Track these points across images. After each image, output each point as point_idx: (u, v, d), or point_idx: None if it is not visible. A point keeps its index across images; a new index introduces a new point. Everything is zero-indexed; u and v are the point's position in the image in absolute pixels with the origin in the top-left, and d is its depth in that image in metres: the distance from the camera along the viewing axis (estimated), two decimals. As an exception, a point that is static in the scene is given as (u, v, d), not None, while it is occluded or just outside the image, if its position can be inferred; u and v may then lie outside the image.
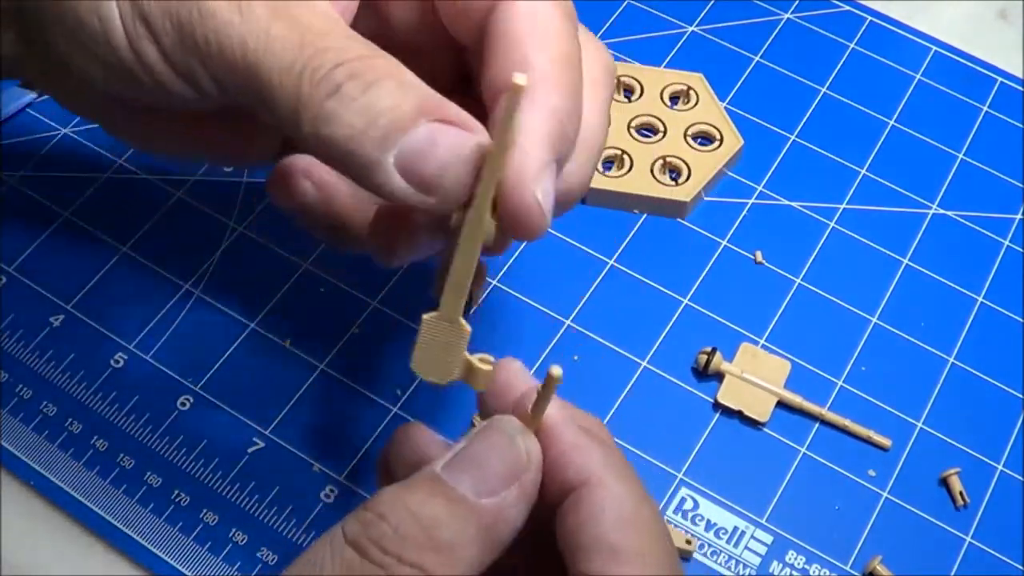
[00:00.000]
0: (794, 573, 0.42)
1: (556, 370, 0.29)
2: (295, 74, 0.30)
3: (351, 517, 0.28)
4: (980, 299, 0.49)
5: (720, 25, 0.57)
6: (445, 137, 0.29)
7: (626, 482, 0.30)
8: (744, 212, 0.51)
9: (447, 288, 0.31)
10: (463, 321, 0.31)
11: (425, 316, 0.31)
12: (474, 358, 0.32)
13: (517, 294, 0.48)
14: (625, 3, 0.57)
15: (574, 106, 0.32)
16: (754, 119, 0.54)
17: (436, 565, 0.27)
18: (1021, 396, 0.46)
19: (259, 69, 0.30)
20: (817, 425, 0.45)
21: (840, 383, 0.46)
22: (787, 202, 0.51)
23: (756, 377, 0.46)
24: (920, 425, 0.46)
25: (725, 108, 0.53)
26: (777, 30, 0.57)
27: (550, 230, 0.50)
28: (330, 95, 0.29)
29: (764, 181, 0.52)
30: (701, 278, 0.49)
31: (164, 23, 0.31)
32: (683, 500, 0.44)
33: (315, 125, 0.30)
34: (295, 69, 0.30)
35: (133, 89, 0.33)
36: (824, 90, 0.55)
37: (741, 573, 0.42)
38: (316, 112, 0.30)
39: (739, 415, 0.45)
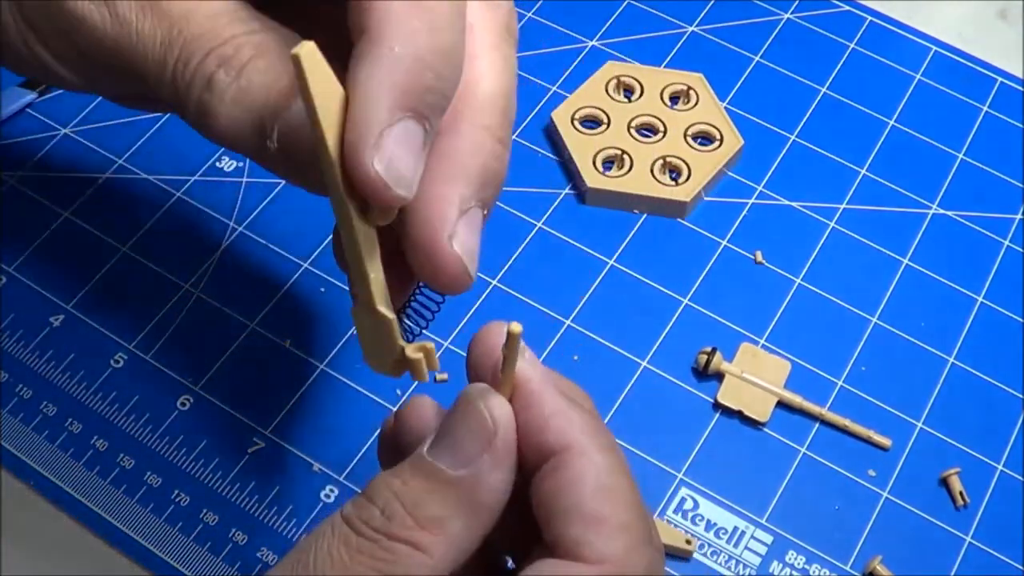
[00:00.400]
0: (794, 573, 0.42)
1: (515, 326, 0.29)
2: (169, 71, 0.30)
3: (349, 501, 0.29)
4: (980, 299, 0.49)
5: (720, 25, 0.57)
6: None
7: (606, 451, 0.30)
8: (744, 212, 0.51)
9: (350, 277, 0.31)
10: (383, 310, 0.31)
11: (353, 309, 0.31)
12: (409, 347, 0.32)
13: (517, 294, 0.48)
14: (625, 3, 0.57)
15: (431, 45, 0.28)
16: (754, 119, 0.54)
17: (425, 540, 0.28)
18: (1021, 396, 0.46)
19: (139, 70, 0.30)
20: (817, 425, 0.45)
21: (840, 383, 0.46)
22: (787, 202, 0.51)
23: (756, 377, 0.46)
24: (920, 425, 0.46)
25: (725, 108, 0.53)
26: (777, 30, 0.57)
27: (550, 230, 0.50)
28: (204, 88, 0.29)
29: (764, 181, 0.52)
30: (701, 278, 0.49)
31: (48, 28, 0.31)
32: (683, 500, 0.44)
33: (198, 119, 0.30)
34: (168, 66, 0.30)
35: (46, 80, 0.33)
36: (824, 90, 0.55)
37: (741, 573, 0.42)
38: (195, 107, 0.30)
39: (739, 415, 0.45)
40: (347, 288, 0.48)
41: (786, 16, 0.58)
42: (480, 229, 0.31)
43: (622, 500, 0.29)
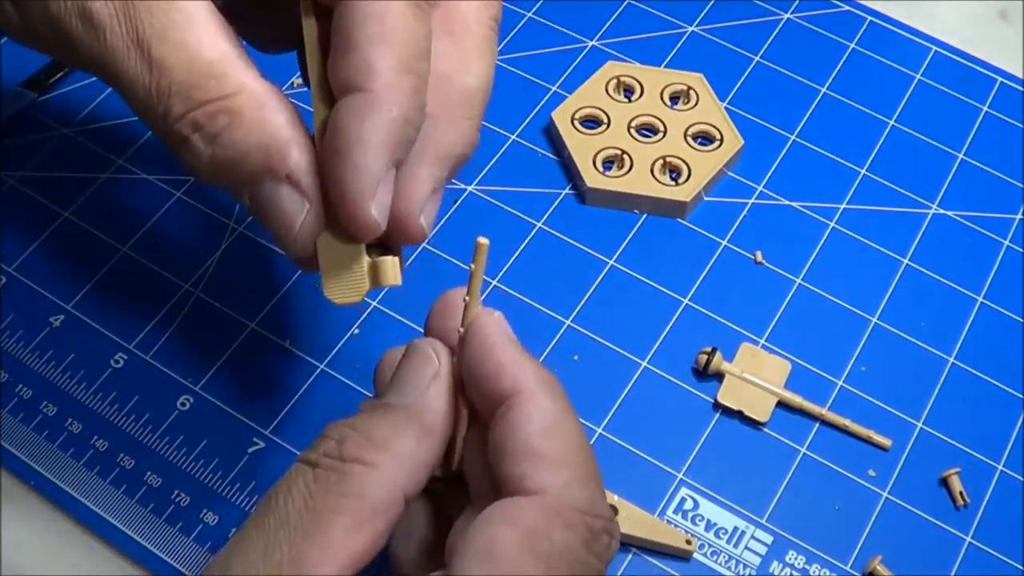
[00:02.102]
0: (794, 573, 0.42)
1: (483, 239, 0.32)
2: (149, 114, 0.32)
3: (305, 448, 0.32)
4: (980, 299, 0.49)
5: (720, 25, 0.57)
6: (284, 199, 0.32)
7: (554, 398, 0.32)
8: (744, 212, 0.51)
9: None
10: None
11: (320, 237, 0.33)
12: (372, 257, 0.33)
13: (517, 294, 0.48)
14: (625, 3, 0.57)
15: (415, 106, 0.32)
16: (754, 119, 0.54)
17: (376, 458, 0.30)
18: (1021, 396, 0.46)
19: (125, 94, 0.33)
20: (817, 425, 0.45)
21: (840, 383, 0.46)
22: (787, 202, 0.51)
23: (756, 377, 0.46)
24: (920, 425, 0.46)
25: (725, 108, 0.53)
26: (777, 30, 0.57)
27: (550, 230, 0.50)
28: (181, 145, 0.32)
29: (764, 181, 0.52)
30: (701, 278, 0.49)
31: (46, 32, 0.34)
32: (683, 500, 0.44)
33: (179, 158, 0.33)
34: (148, 109, 0.32)
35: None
36: (824, 90, 0.55)
37: (741, 573, 0.42)
38: (175, 152, 0.33)
39: (739, 415, 0.45)
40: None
41: (786, 16, 0.58)
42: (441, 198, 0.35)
43: (566, 439, 0.31)
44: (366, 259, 0.33)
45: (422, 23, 0.32)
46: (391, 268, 0.33)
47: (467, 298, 0.32)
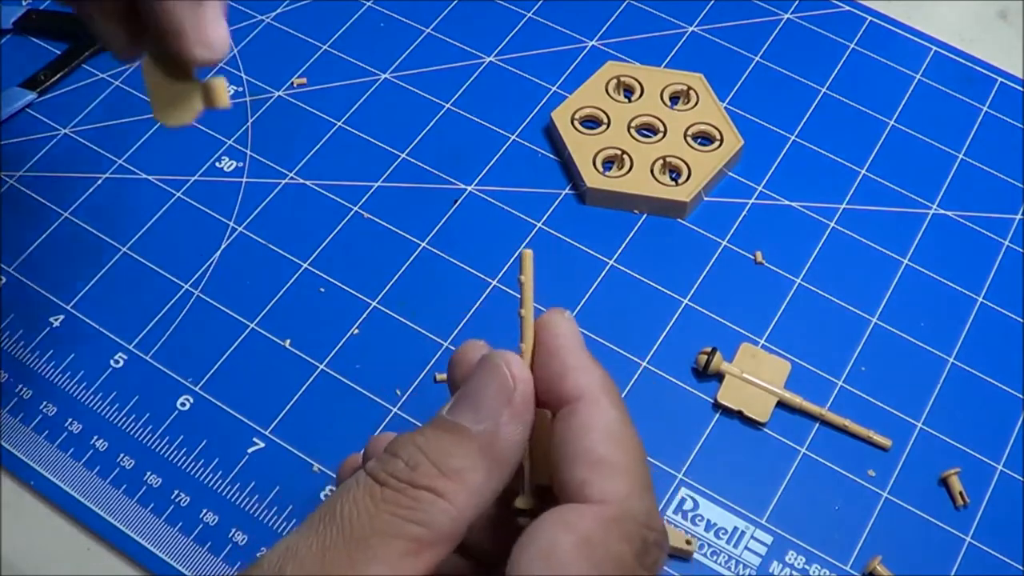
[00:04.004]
0: (794, 573, 0.42)
1: (527, 251, 0.32)
2: None
3: (373, 459, 0.31)
4: (980, 299, 0.49)
5: (720, 25, 0.57)
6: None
7: (619, 407, 0.31)
8: (744, 212, 0.51)
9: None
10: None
11: (145, 59, 0.33)
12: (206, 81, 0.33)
13: (517, 294, 0.48)
14: (625, 3, 0.57)
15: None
16: (754, 119, 0.54)
17: (448, 488, 0.30)
18: (1021, 396, 0.46)
19: None
20: (817, 425, 0.45)
21: (840, 383, 0.46)
22: (787, 202, 0.51)
23: (756, 377, 0.46)
24: (920, 425, 0.46)
25: (725, 108, 0.53)
26: (777, 30, 0.57)
27: (550, 230, 0.50)
28: None
29: (764, 181, 0.52)
30: (701, 278, 0.49)
31: None
32: (683, 500, 0.44)
33: None
34: None
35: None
36: (824, 90, 0.55)
37: (741, 573, 0.42)
38: None
39: (739, 415, 0.45)
40: (347, 288, 0.48)
41: (786, 16, 0.58)
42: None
43: (627, 448, 0.31)
44: (197, 81, 0.33)
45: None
46: (221, 89, 0.33)
47: (522, 312, 0.32)
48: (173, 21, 0.32)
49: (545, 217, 0.50)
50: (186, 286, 0.48)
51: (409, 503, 0.29)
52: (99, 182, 0.51)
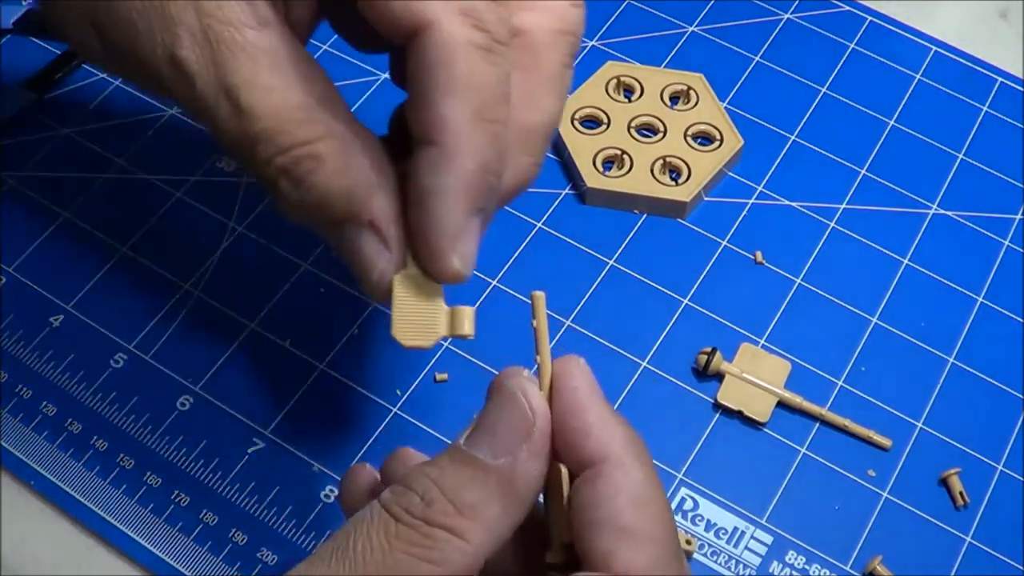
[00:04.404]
0: (794, 573, 0.42)
1: (537, 293, 0.32)
2: (240, 157, 0.33)
3: (387, 489, 0.30)
4: (980, 299, 0.49)
5: (720, 25, 0.57)
6: (365, 244, 0.33)
7: (645, 467, 0.30)
8: (744, 212, 0.51)
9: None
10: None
11: (396, 276, 0.33)
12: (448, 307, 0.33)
13: (517, 294, 0.48)
14: (625, 3, 0.57)
15: (494, 155, 0.32)
16: (754, 119, 0.54)
17: (463, 526, 0.29)
18: (1021, 396, 0.46)
19: (215, 135, 0.33)
20: (817, 425, 0.45)
21: (840, 383, 0.46)
22: (787, 202, 0.51)
23: (756, 377, 0.46)
24: (920, 425, 0.46)
25: (725, 108, 0.53)
26: (777, 30, 0.57)
27: (550, 230, 0.50)
28: (271, 188, 0.32)
29: (764, 181, 0.52)
30: (701, 278, 0.49)
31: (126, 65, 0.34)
32: (683, 500, 0.44)
33: (273, 199, 0.33)
34: (239, 153, 0.32)
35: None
36: (824, 90, 0.55)
37: (741, 573, 0.42)
38: (268, 192, 0.33)
39: (739, 415, 0.45)
40: (347, 288, 0.48)
41: (786, 16, 0.58)
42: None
43: (654, 514, 0.30)
44: (444, 306, 0.33)
45: (495, 66, 0.31)
46: (467, 318, 0.33)
47: (538, 359, 0.31)
48: (444, 216, 0.31)
49: (545, 217, 0.50)
50: (186, 286, 0.48)
51: (423, 541, 0.29)
52: (99, 182, 0.51)
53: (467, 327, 0.33)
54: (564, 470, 0.31)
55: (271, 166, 0.32)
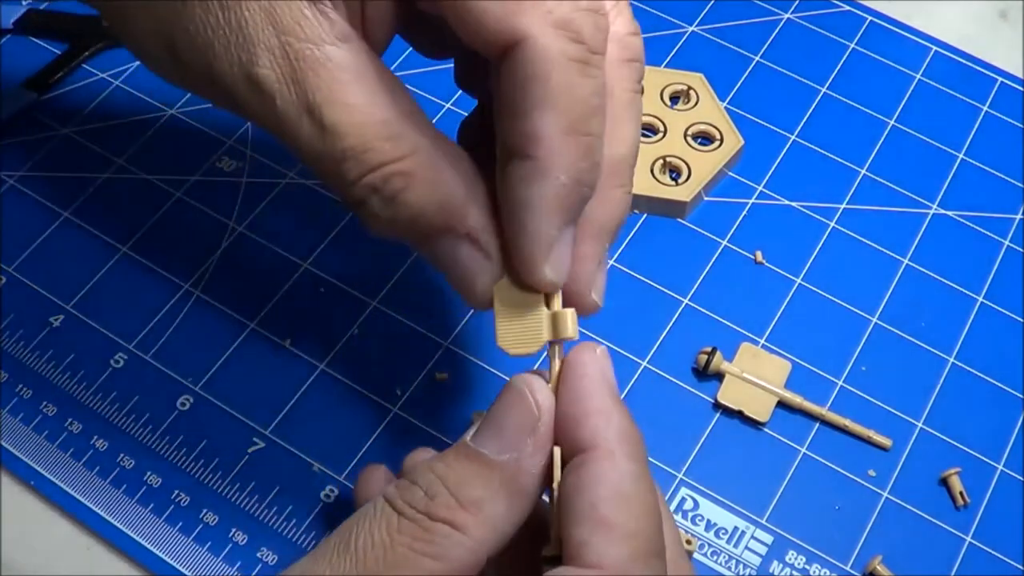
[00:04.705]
0: (794, 573, 0.42)
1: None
2: (325, 176, 0.32)
3: (391, 484, 0.31)
4: (980, 299, 0.49)
5: (720, 25, 0.57)
6: (464, 256, 0.33)
7: (634, 459, 0.30)
8: (744, 212, 0.51)
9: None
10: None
11: (498, 284, 0.33)
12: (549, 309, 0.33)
13: (517, 294, 0.48)
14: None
15: (587, 167, 0.31)
16: (754, 119, 0.54)
17: (466, 521, 0.29)
18: (1021, 396, 0.46)
19: (298, 154, 0.32)
20: (817, 425, 0.45)
21: (840, 383, 0.46)
22: (787, 202, 0.51)
23: (756, 377, 0.46)
24: (920, 425, 0.46)
25: (725, 108, 0.53)
26: (777, 30, 0.57)
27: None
28: (359, 206, 0.32)
29: (764, 181, 0.52)
30: (701, 278, 0.49)
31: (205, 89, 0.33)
32: (683, 500, 0.44)
33: (357, 215, 0.33)
34: (324, 171, 0.32)
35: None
36: (824, 90, 0.55)
37: (741, 573, 0.42)
38: (353, 210, 0.33)
39: (739, 415, 0.45)
40: (347, 288, 0.48)
41: (786, 16, 0.58)
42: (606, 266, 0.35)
43: (637, 509, 0.29)
44: (545, 310, 0.33)
45: (591, 78, 0.31)
46: (570, 321, 0.33)
47: (552, 349, 0.32)
48: (535, 227, 0.31)
49: (545, 217, 0.50)
50: (186, 286, 0.48)
51: (425, 535, 0.29)
52: (99, 182, 0.51)
53: (571, 329, 0.33)
54: (558, 455, 0.31)
55: (359, 185, 0.31)
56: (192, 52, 0.32)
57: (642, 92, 0.36)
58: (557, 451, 0.31)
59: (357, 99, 0.31)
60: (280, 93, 0.31)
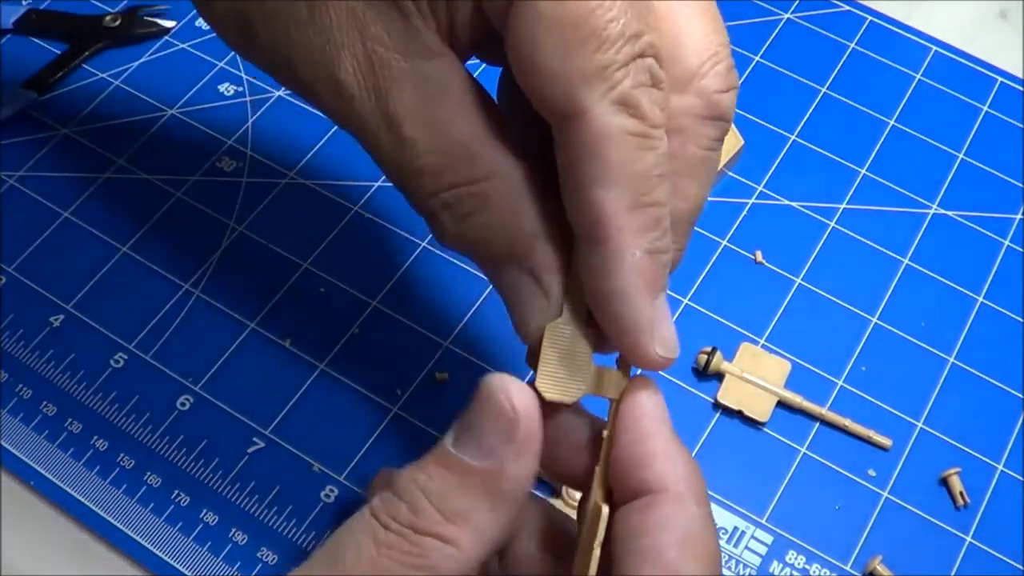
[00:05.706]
0: (794, 573, 0.42)
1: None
2: (399, 184, 0.32)
3: (377, 496, 0.30)
4: (980, 299, 0.49)
5: (720, 25, 0.57)
6: (524, 290, 0.32)
7: (701, 506, 0.30)
8: (744, 212, 0.51)
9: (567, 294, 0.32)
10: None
11: (550, 324, 0.31)
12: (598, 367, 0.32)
13: (517, 294, 0.48)
14: (625, 3, 0.57)
15: (659, 235, 0.30)
16: (754, 119, 0.54)
17: (452, 533, 0.29)
18: (1021, 396, 0.46)
19: (373, 158, 0.32)
20: (817, 425, 0.45)
21: (840, 383, 0.46)
22: (787, 202, 0.51)
23: (756, 377, 0.46)
24: (920, 425, 0.46)
25: (725, 108, 0.53)
26: (777, 30, 0.57)
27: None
28: (429, 217, 0.32)
29: (764, 181, 0.52)
30: (701, 278, 0.49)
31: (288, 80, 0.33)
32: (683, 500, 0.43)
33: (427, 224, 0.33)
34: (398, 179, 0.32)
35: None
36: (824, 90, 0.55)
37: (741, 573, 0.42)
38: (423, 218, 0.32)
39: (739, 415, 0.45)
40: (347, 288, 0.48)
41: (786, 16, 0.58)
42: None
43: (702, 556, 0.29)
44: (593, 366, 0.32)
45: (651, 151, 0.30)
46: (616, 382, 0.31)
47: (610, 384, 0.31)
48: (631, 313, 0.30)
49: (545, 217, 0.50)
50: (186, 286, 0.48)
51: (412, 549, 0.29)
52: (99, 182, 0.51)
53: (613, 393, 0.32)
54: (605, 511, 0.30)
55: (432, 200, 0.31)
56: (272, 41, 0.31)
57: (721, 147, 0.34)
58: (605, 509, 0.30)
59: (439, 115, 0.30)
60: (360, 100, 0.30)
